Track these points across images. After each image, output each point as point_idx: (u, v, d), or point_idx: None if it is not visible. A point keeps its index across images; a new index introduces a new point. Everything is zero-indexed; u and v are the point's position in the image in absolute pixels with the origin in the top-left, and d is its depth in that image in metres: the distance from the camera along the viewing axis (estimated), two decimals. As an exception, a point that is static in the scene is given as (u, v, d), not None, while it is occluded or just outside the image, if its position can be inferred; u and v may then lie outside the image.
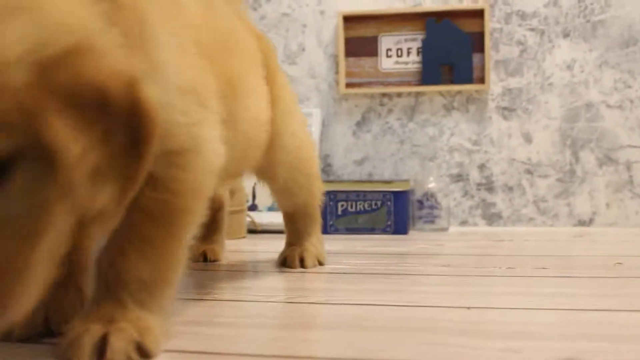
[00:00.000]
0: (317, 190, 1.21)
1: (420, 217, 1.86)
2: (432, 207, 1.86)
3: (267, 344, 0.63)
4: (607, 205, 1.86)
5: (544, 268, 1.09)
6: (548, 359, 0.56)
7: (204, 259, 1.25)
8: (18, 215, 0.42)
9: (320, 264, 1.17)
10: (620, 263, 1.13)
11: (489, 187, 1.90)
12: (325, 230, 1.71)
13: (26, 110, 0.40)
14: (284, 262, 1.15)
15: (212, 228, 1.29)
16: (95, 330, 0.53)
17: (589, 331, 0.66)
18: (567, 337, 0.64)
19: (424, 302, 0.81)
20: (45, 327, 0.61)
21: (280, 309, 0.79)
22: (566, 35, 1.88)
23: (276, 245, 1.23)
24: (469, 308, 0.76)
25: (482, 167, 1.91)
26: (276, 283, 1.01)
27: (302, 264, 1.13)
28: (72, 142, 0.42)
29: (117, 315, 0.55)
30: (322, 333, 0.67)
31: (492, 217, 1.90)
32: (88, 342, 0.52)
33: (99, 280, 0.58)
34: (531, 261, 1.18)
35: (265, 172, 1.10)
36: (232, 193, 1.69)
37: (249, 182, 1.85)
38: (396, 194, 1.79)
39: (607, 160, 1.86)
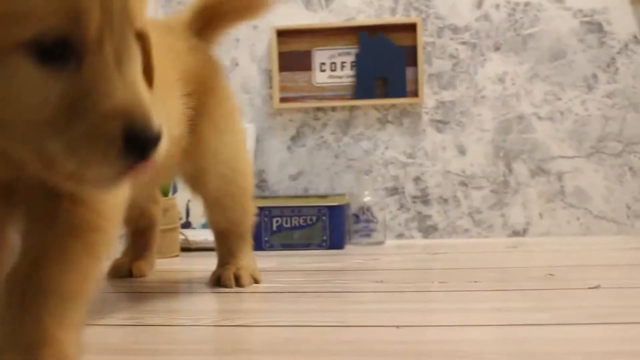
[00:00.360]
0: (251, 209, 1.20)
1: (357, 231, 1.85)
2: (368, 221, 1.85)
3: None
4: (540, 215, 1.89)
5: (477, 282, 1.09)
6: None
7: (130, 275, 1.23)
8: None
9: (256, 282, 1.15)
10: (551, 274, 1.14)
11: (425, 199, 1.91)
12: (260, 247, 1.70)
13: None
14: (218, 282, 1.13)
15: (140, 244, 1.30)
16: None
17: (523, 348, 0.66)
18: (501, 355, 0.63)
19: (356, 321, 0.80)
20: None
21: (210, 333, 0.77)
22: (497, 48, 1.91)
23: (210, 264, 1.21)
24: (397, 327, 0.75)
25: (417, 179, 1.92)
26: (208, 304, 0.98)
27: (238, 283, 1.11)
28: None
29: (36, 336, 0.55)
30: (252, 358, 0.65)
31: (428, 230, 1.91)
32: None
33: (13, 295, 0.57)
34: (466, 275, 1.18)
35: (196, 181, 1.10)
36: (165, 210, 1.65)
37: (182, 199, 1.82)
38: (331, 208, 1.78)
39: (539, 171, 1.90)
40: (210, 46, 1.16)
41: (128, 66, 0.52)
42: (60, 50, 0.50)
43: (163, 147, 0.54)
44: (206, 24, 1.11)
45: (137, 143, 0.51)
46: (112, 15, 0.51)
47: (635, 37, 1.89)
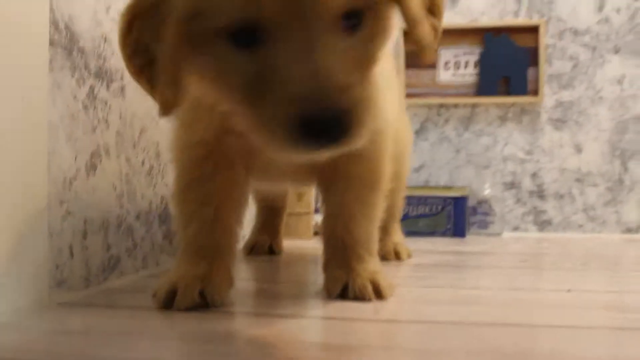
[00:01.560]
0: (404, 187, 1.37)
1: (474, 223, 1.98)
2: (485, 214, 1.98)
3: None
4: (654, 213, 1.98)
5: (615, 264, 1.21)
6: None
7: (270, 252, 1.36)
8: (371, 50, 0.62)
9: (409, 256, 1.29)
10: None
11: (541, 195, 2.03)
12: (388, 232, 1.84)
13: None
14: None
15: (276, 223, 1.42)
16: (341, 276, 0.80)
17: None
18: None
19: (526, 285, 0.93)
20: (202, 299, 0.74)
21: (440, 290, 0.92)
22: (617, 51, 2.00)
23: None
24: (568, 290, 0.88)
25: (534, 175, 2.03)
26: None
27: (397, 257, 1.25)
28: None
29: (357, 266, 0.81)
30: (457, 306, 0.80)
31: (543, 224, 2.03)
32: (337, 286, 0.80)
33: (333, 243, 0.82)
34: (597, 259, 1.30)
35: None
36: (301, 195, 1.81)
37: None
38: (456, 199, 1.91)
39: (654, 170, 1.98)
40: None
41: (322, 51, 0.55)
42: (250, 37, 0.56)
43: (363, 133, 0.57)
44: None
45: (314, 129, 0.54)
46: (299, 3, 0.54)
47: None
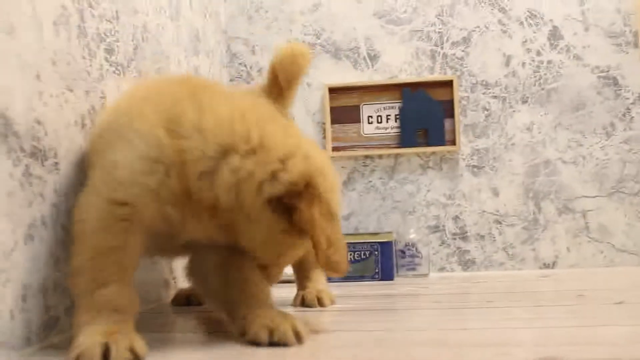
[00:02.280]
0: None
1: (403, 265, 2.12)
2: (413, 256, 2.12)
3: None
4: (568, 249, 2.15)
5: (518, 300, 1.36)
6: (528, 358, 0.83)
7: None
8: None
9: (332, 302, 1.42)
10: (582, 295, 1.40)
11: (463, 236, 2.18)
12: (321, 279, 1.96)
13: None
14: (303, 302, 1.40)
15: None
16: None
17: (561, 341, 0.93)
18: (544, 344, 0.90)
19: (432, 326, 1.07)
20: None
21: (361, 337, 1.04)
22: (524, 101, 2.19)
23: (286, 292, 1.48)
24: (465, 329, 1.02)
25: (456, 218, 2.19)
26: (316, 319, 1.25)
27: (320, 303, 1.38)
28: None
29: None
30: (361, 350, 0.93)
31: (467, 263, 2.18)
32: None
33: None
34: (508, 296, 1.45)
35: None
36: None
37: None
38: (382, 244, 2.05)
39: (565, 209, 2.16)
40: (287, 109, 1.40)
41: None
42: None
43: None
44: (279, 89, 1.29)
45: None
46: None
47: (647, 89, 2.17)
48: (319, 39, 2.29)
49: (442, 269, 2.19)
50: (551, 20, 2.22)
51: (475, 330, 1.01)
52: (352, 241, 2.06)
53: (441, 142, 2.19)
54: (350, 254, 2.05)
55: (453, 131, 2.19)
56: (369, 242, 2.06)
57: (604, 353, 0.81)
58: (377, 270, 2.05)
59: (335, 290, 1.73)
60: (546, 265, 2.17)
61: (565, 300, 1.35)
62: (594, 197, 2.17)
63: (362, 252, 2.06)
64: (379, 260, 2.05)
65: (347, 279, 2.05)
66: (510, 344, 0.91)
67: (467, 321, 1.11)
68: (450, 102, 2.20)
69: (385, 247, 2.06)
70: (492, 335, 0.96)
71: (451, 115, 2.19)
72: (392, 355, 0.82)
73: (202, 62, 2.13)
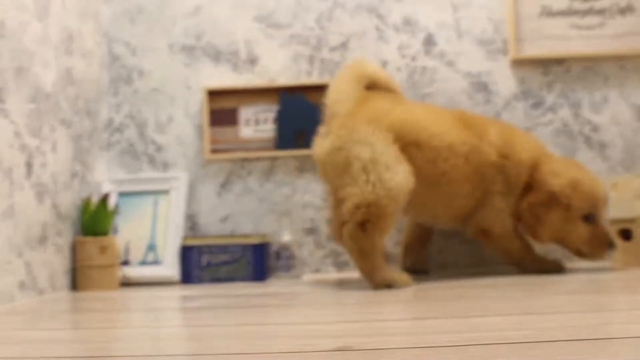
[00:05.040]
0: None
1: (278, 267, 2.21)
2: (287, 258, 2.22)
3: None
4: (436, 251, 2.27)
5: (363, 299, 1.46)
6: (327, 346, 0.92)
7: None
8: None
9: None
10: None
11: (338, 238, 2.28)
12: (191, 280, 2.06)
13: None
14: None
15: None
16: None
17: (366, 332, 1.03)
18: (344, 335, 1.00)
19: (284, 320, 1.16)
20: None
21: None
22: (399, 105, 2.31)
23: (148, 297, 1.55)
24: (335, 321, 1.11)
25: (331, 221, 2.29)
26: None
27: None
28: None
29: None
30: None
31: (341, 265, 2.28)
32: None
33: None
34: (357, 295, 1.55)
35: None
36: (104, 248, 2.00)
37: (122, 239, 2.16)
38: (255, 246, 2.15)
39: (437, 211, 2.27)
40: None
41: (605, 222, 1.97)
42: (589, 217, 1.93)
43: None
44: None
45: (611, 247, 1.93)
46: (601, 207, 1.94)
47: (515, 95, 2.31)
48: (199, 41, 2.38)
49: (317, 271, 2.29)
50: (426, 27, 2.35)
51: (300, 324, 1.11)
52: (224, 243, 2.15)
53: (317, 145, 2.29)
54: (223, 256, 2.14)
55: (328, 134, 2.29)
56: (241, 244, 2.16)
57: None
58: (249, 272, 2.14)
59: (206, 289, 1.82)
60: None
61: (404, 296, 1.46)
62: (464, 199, 2.29)
63: (234, 254, 2.15)
64: (252, 261, 2.14)
65: (220, 280, 2.13)
66: (317, 336, 1.01)
67: (299, 316, 1.20)
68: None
69: (258, 249, 2.15)
70: (312, 328, 1.06)
71: (327, 118, 2.30)
72: (238, 347, 0.91)
73: (77, 62, 2.19)
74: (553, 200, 1.86)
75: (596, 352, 0.78)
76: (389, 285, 1.72)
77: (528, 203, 1.87)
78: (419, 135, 1.84)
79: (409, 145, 1.82)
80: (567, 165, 1.93)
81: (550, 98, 2.32)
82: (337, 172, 1.77)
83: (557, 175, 1.88)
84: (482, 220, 1.90)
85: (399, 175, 1.74)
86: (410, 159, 1.80)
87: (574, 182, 1.88)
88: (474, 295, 1.44)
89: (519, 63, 2.34)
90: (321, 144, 1.82)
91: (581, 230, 1.89)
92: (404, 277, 1.78)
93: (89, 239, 2.04)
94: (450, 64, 2.35)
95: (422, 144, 1.83)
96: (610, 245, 1.88)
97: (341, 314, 1.17)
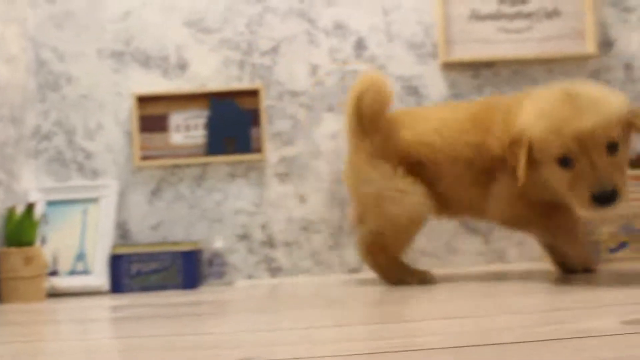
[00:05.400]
0: None
1: (210, 274, 2.21)
2: (220, 265, 2.21)
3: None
4: (372, 254, 2.29)
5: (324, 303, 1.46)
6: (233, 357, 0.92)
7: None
8: (623, 163, 1.51)
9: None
10: (337, 300, 1.52)
11: (271, 244, 2.29)
12: (120, 289, 2.04)
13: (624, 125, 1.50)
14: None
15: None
16: None
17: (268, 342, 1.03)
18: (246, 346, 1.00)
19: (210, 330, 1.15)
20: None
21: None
22: (330, 109, 2.32)
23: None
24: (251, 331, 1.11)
25: (264, 226, 2.29)
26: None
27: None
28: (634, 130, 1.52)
29: None
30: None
31: (274, 271, 2.28)
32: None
33: None
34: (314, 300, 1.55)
35: None
36: (30, 259, 1.97)
37: (49, 248, 2.13)
38: (185, 253, 2.14)
39: (370, 215, 2.29)
40: None
41: (599, 168, 1.44)
42: (566, 162, 1.48)
43: (621, 201, 1.45)
44: None
45: (599, 200, 1.44)
46: (585, 145, 1.43)
47: (445, 98, 2.34)
48: (128, 47, 2.36)
49: (250, 277, 2.29)
50: (357, 30, 2.37)
51: (211, 335, 1.10)
52: (154, 251, 2.13)
53: (248, 150, 2.29)
54: (153, 264, 2.12)
55: (260, 139, 2.29)
56: (171, 252, 2.14)
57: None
58: (179, 279, 2.13)
59: (135, 299, 1.80)
60: (352, 271, 2.30)
61: (322, 303, 1.47)
62: (396, 203, 2.31)
63: (165, 262, 2.13)
64: (182, 269, 2.13)
65: (150, 288, 2.12)
66: (222, 347, 1.01)
67: (212, 326, 1.20)
68: (257, 111, 2.30)
69: (188, 256, 2.14)
70: (223, 339, 1.06)
71: (258, 123, 2.30)
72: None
73: (0, 68, 2.15)
74: (517, 142, 1.58)
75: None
76: (403, 283, 1.85)
77: (507, 142, 1.61)
78: (420, 154, 1.84)
79: (414, 165, 1.85)
80: (543, 99, 1.55)
81: (479, 101, 2.36)
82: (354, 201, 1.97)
83: (526, 113, 1.58)
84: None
85: (407, 207, 1.80)
86: (420, 175, 1.84)
87: (536, 121, 1.53)
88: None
89: (449, 66, 2.37)
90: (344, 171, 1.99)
91: (558, 177, 1.52)
92: (422, 276, 1.85)
93: (14, 250, 2.01)
94: (381, 67, 2.37)
95: (426, 161, 1.84)
96: (597, 198, 1.44)
97: (262, 323, 1.17)
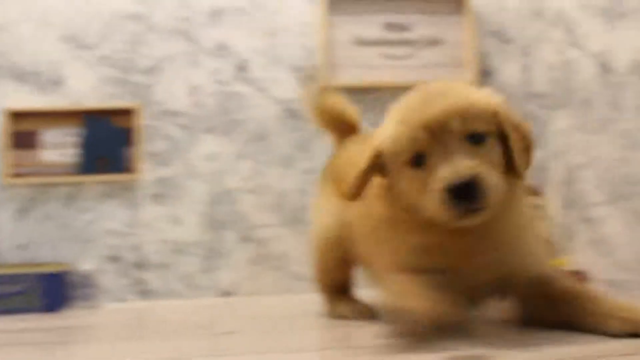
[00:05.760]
0: None
1: (78, 297, 2.16)
2: (88, 287, 2.17)
3: None
4: (247, 277, 2.27)
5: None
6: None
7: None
8: (491, 155, 1.12)
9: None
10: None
11: (143, 266, 2.26)
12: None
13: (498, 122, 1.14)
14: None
15: None
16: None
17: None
18: None
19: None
20: None
21: None
22: (209, 131, 2.31)
23: None
24: None
25: (136, 248, 2.26)
26: None
27: None
28: (512, 136, 1.13)
29: None
30: None
31: (145, 294, 2.25)
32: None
33: None
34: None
35: None
36: None
37: None
38: (49, 275, 2.09)
39: (246, 238, 2.28)
40: None
41: (454, 158, 1.08)
42: (419, 160, 1.13)
43: (488, 194, 1.07)
44: None
45: (455, 193, 1.06)
46: (437, 135, 1.10)
47: (326, 122, 2.34)
48: (1, 61, 2.30)
49: (120, 300, 2.25)
50: (239, 52, 2.36)
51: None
52: (15, 272, 2.08)
53: (122, 170, 2.26)
54: (14, 286, 2.07)
55: (135, 159, 2.26)
56: (34, 273, 2.09)
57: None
58: (43, 302, 2.08)
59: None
60: (226, 294, 2.28)
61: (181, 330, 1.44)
62: (273, 226, 2.31)
63: (27, 284, 2.08)
64: (46, 291, 2.08)
65: (9, 312, 2.06)
66: None
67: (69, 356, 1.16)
68: (133, 130, 2.27)
69: (52, 278, 2.09)
70: None
71: (133, 143, 2.27)
72: None
73: None
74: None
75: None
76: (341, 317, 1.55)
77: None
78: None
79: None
80: (397, 105, 1.25)
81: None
82: None
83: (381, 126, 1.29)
84: None
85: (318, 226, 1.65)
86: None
87: (386, 126, 1.24)
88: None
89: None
90: None
91: (410, 180, 1.17)
92: (356, 310, 1.55)
93: None
94: (262, 90, 2.37)
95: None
96: (451, 190, 1.07)
97: (127, 351, 1.13)
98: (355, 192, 1.22)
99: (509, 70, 2.48)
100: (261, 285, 2.30)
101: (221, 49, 2.38)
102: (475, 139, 1.11)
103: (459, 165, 1.06)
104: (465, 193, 1.05)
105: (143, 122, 2.31)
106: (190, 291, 2.28)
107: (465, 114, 1.12)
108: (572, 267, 2.06)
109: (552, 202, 2.22)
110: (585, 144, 2.06)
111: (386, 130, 1.20)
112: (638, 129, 1.80)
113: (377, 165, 1.21)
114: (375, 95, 2.40)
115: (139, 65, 2.35)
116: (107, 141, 2.28)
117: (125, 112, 2.30)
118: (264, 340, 1.24)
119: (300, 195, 2.33)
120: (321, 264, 1.60)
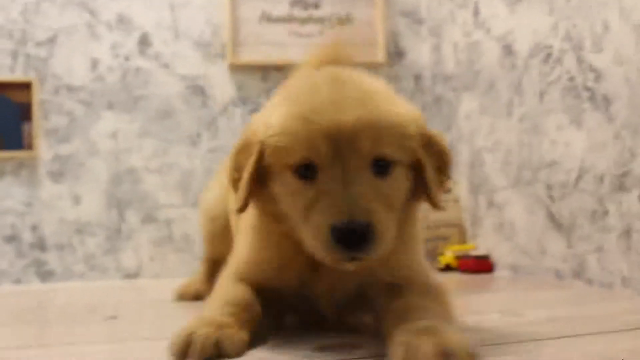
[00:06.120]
0: None
1: (-29, 279, 2.07)
2: (-18, 268, 2.08)
3: None
4: (151, 258, 2.23)
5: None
6: None
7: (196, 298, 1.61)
8: (394, 194, 0.92)
9: None
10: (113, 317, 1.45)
11: (42, 246, 2.19)
12: None
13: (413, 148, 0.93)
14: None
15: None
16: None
17: None
18: None
19: None
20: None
21: None
22: (110, 107, 2.24)
23: None
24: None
25: (34, 228, 2.19)
26: None
27: None
28: (427, 165, 0.95)
29: None
30: None
31: (45, 275, 2.18)
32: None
33: None
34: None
35: None
36: None
37: None
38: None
39: (149, 218, 2.24)
40: None
41: (352, 188, 0.86)
42: (308, 171, 0.90)
43: (379, 246, 0.86)
44: None
45: (342, 235, 0.84)
46: (340, 149, 0.88)
47: (233, 100, 2.31)
48: None
49: (17, 282, 2.18)
50: (141, 26, 2.29)
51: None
52: None
53: (18, 146, 2.18)
54: None
55: (31, 135, 2.18)
56: None
57: None
58: None
59: None
60: (129, 276, 2.23)
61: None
62: (178, 206, 2.27)
63: None
64: None
65: None
66: None
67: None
68: (29, 105, 2.18)
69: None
70: None
71: (30, 118, 2.18)
72: None
73: None
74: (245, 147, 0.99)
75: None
76: None
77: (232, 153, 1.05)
78: None
79: None
80: (292, 85, 1.07)
81: (266, 104, 2.35)
82: None
83: (266, 107, 1.07)
84: None
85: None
86: None
87: (273, 111, 0.97)
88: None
89: (237, 68, 2.35)
90: None
91: (292, 192, 0.94)
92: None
93: None
94: (166, 65, 2.31)
95: None
96: (338, 231, 0.85)
97: (25, 338, 1.08)
98: (244, 205, 0.97)
99: (420, 52, 2.49)
100: (166, 268, 2.27)
101: (122, 22, 2.30)
102: (381, 167, 0.91)
103: (355, 202, 0.85)
104: (353, 241, 0.84)
105: (40, 96, 2.22)
106: (92, 273, 2.23)
107: (379, 133, 0.90)
108: (478, 252, 2.10)
109: (460, 186, 2.26)
110: (489, 128, 2.10)
111: (272, 118, 0.94)
112: (538, 114, 1.84)
113: (260, 165, 0.95)
114: (282, 74, 2.36)
115: (35, 36, 2.25)
116: (2, 116, 2.18)
117: (21, 86, 2.21)
118: (142, 326, 1.22)
119: (206, 175, 2.29)
120: (205, 236, 1.62)
